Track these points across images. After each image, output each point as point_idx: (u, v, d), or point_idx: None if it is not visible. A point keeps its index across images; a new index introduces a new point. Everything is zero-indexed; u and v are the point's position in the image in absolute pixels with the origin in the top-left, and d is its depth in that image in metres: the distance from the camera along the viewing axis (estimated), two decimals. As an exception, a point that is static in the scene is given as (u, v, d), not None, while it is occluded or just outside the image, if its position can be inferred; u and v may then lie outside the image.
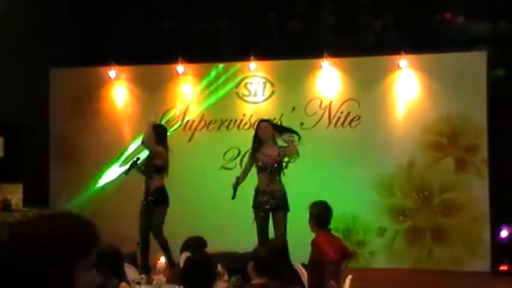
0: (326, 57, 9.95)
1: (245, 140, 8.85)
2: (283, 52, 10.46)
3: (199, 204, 10.00)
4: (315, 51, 10.02)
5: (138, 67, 10.71)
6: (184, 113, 10.45)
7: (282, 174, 8.05)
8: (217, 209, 9.77)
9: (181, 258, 6.26)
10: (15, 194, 9.36)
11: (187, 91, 10.51)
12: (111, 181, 10.46)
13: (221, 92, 10.34)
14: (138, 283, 5.77)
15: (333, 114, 9.97)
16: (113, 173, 10.46)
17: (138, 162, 8.24)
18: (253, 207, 7.99)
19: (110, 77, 10.64)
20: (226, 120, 10.30)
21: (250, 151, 8.25)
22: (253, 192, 8.00)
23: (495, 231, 9.34)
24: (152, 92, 10.53)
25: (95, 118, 10.70)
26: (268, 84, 10.25)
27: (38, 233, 1.64)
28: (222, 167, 10.17)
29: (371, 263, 9.71)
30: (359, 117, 9.87)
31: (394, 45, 10.04)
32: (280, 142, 8.05)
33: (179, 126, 10.40)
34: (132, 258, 7.75)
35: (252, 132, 8.40)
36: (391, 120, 9.87)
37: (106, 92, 10.75)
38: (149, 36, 11.24)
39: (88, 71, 10.86)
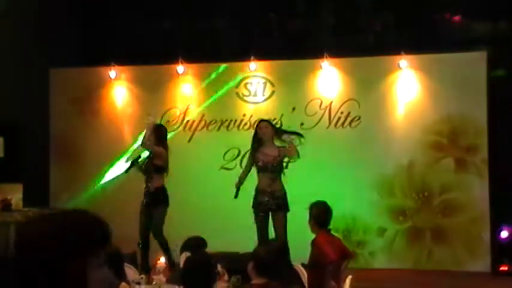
0: (326, 57, 9.94)
1: (245, 140, 8.85)
2: (283, 52, 10.45)
3: (199, 204, 9.98)
4: (315, 51, 10.02)
5: (138, 67, 10.71)
6: (184, 113, 10.45)
7: (282, 175, 8.05)
8: (217, 209, 9.77)
9: (181, 258, 6.26)
10: (15, 194, 9.34)
11: (187, 91, 10.51)
12: (113, 179, 10.44)
13: (221, 92, 10.34)
14: (138, 283, 5.77)
15: (333, 114, 9.97)
16: (115, 171, 10.45)
17: (139, 160, 8.26)
18: (253, 207, 7.99)
19: (110, 77, 10.63)
20: (226, 120, 10.29)
21: (250, 151, 8.25)
22: (253, 192, 8.00)
23: (495, 232, 9.34)
24: (152, 92, 10.53)
25: (95, 118, 10.70)
26: (268, 84, 10.25)
27: (50, 230, 1.65)
28: (222, 167, 10.16)
29: (371, 263, 9.71)
30: (359, 118, 9.86)
31: (394, 45, 10.03)
32: (278, 143, 8.06)
33: (179, 126, 10.40)
34: (132, 258, 7.75)
35: (252, 132, 8.40)
36: (391, 121, 9.86)
37: (106, 92, 10.75)
38: (149, 36, 11.23)
39: (88, 71, 10.85)
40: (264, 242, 7.32)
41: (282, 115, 9.96)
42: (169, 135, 8.81)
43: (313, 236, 6.06)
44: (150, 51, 10.88)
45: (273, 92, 10.21)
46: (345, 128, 9.92)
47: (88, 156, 10.59)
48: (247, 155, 8.48)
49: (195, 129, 10.40)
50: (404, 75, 9.81)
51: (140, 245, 8.19)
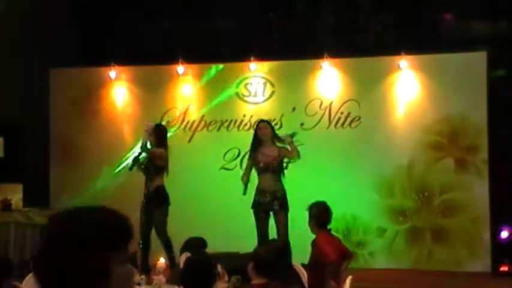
0: (326, 57, 9.94)
1: (245, 140, 8.84)
2: (283, 52, 10.45)
3: (199, 204, 9.98)
4: (315, 52, 10.01)
5: (138, 67, 10.71)
6: (184, 114, 10.45)
7: (282, 175, 8.05)
8: (217, 209, 9.77)
9: (181, 259, 6.26)
10: (15, 194, 9.36)
11: (187, 91, 10.51)
12: (115, 177, 10.43)
13: (221, 93, 10.33)
14: (138, 284, 5.77)
15: (333, 114, 9.97)
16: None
17: (140, 157, 8.26)
18: (253, 207, 7.99)
19: (110, 77, 10.63)
20: (227, 120, 10.29)
21: (249, 151, 8.25)
22: (253, 193, 8.00)
23: (495, 232, 9.34)
24: (152, 92, 10.53)
25: (95, 118, 10.69)
26: (268, 85, 10.24)
27: (80, 223, 1.67)
28: (222, 168, 10.16)
29: (371, 263, 9.71)
30: (359, 118, 9.86)
31: (394, 46, 10.03)
32: (278, 143, 8.05)
33: (179, 126, 10.40)
34: (132, 258, 7.75)
35: (252, 132, 8.40)
36: (391, 121, 9.86)
37: (106, 92, 10.74)
38: (149, 36, 11.23)
39: (88, 71, 10.85)
40: (264, 242, 7.32)
41: (282, 115, 9.96)
42: (169, 136, 8.81)
43: (313, 236, 6.06)
44: (150, 51, 10.88)
45: (273, 92, 10.21)
46: (345, 128, 9.92)
47: (88, 156, 10.59)
48: (247, 155, 8.48)
49: (195, 129, 10.39)
50: (404, 76, 9.81)
51: (140, 245, 8.19)
